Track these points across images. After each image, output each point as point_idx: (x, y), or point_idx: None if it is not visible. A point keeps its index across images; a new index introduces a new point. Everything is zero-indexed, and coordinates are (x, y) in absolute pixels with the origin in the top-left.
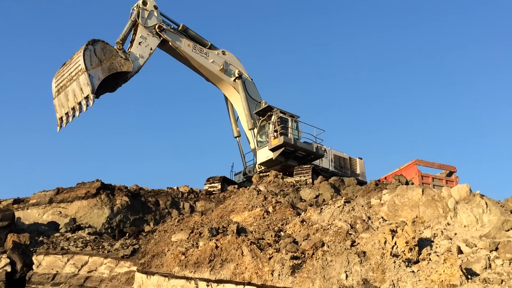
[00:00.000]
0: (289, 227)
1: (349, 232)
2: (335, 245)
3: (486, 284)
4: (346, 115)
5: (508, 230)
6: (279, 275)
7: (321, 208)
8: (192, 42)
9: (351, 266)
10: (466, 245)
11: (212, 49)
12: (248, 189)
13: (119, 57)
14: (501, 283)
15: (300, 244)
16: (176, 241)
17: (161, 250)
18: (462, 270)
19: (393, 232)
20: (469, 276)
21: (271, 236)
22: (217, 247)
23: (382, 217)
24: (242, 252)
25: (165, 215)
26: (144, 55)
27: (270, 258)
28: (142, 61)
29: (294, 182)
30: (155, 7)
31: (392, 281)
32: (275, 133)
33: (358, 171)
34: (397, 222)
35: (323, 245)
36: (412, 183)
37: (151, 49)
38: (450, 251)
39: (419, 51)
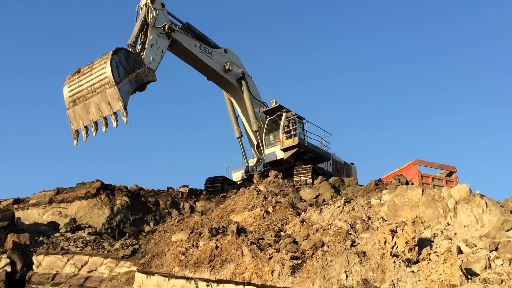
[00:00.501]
0: (289, 227)
1: (349, 232)
2: (335, 245)
3: (486, 284)
4: (345, 116)
5: (508, 230)
6: (279, 275)
7: (321, 208)
8: (198, 42)
9: (351, 266)
10: (466, 245)
11: (215, 48)
12: (248, 189)
13: (142, 66)
14: (501, 283)
15: (300, 244)
16: (176, 241)
17: (161, 250)
18: (462, 270)
19: (393, 232)
20: (469, 276)
21: (271, 236)
22: (217, 247)
23: (382, 217)
24: (242, 252)
25: (165, 215)
26: (156, 58)
27: (270, 258)
28: (155, 65)
29: (294, 182)
30: (163, 6)
31: (392, 281)
32: (286, 134)
33: (351, 176)
34: (397, 222)
35: (323, 245)
36: (412, 183)
37: (162, 51)
38: (450, 251)
39: (420, 52)
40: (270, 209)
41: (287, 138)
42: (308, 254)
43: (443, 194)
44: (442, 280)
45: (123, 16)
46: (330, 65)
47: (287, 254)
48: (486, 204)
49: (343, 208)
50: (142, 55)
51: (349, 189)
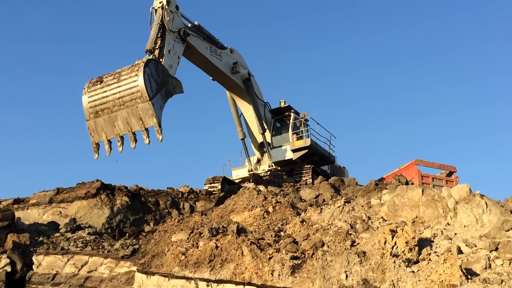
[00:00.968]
0: (289, 227)
1: (349, 232)
2: (335, 245)
3: (486, 284)
4: (345, 115)
5: (508, 230)
6: (279, 275)
7: (321, 208)
8: (208, 44)
9: (351, 266)
10: (466, 245)
11: (222, 49)
12: (248, 189)
13: (170, 77)
14: (501, 283)
15: (300, 244)
16: (176, 241)
17: (161, 250)
18: (462, 270)
19: (393, 232)
20: (469, 276)
21: (271, 236)
22: (217, 247)
23: (382, 217)
24: (242, 252)
25: (165, 215)
26: (174, 65)
27: (270, 258)
28: (173, 72)
29: (294, 182)
30: (177, 8)
31: (392, 281)
32: (295, 134)
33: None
34: (397, 222)
35: (323, 245)
36: (412, 183)
37: (178, 57)
38: (450, 251)
39: (420, 50)
40: (270, 209)
41: (297, 139)
42: (308, 254)
43: (443, 194)
44: (442, 280)
45: (122, 17)
46: (329, 64)
47: (287, 254)
48: (486, 204)
49: (343, 208)
50: (161, 61)
51: (349, 189)
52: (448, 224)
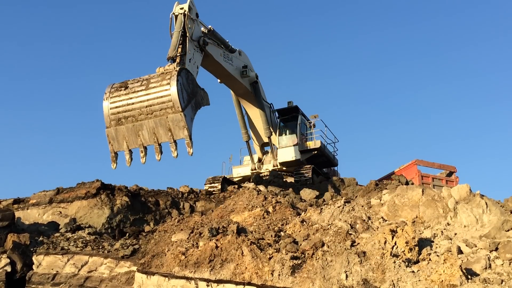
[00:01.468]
0: (289, 227)
1: (349, 232)
2: (335, 245)
3: (486, 284)
4: (345, 115)
5: (508, 230)
6: (279, 275)
7: (321, 208)
8: (222, 50)
9: (351, 266)
10: (466, 245)
11: (232, 52)
12: (248, 189)
13: (198, 88)
14: (501, 283)
15: (300, 244)
16: (176, 241)
17: (161, 250)
18: (462, 270)
19: (393, 232)
20: (469, 276)
21: (271, 236)
22: (217, 247)
23: (382, 217)
24: (242, 252)
25: (165, 215)
26: (194, 75)
27: (270, 258)
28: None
29: (294, 182)
30: (197, 16)
31: (392, 281)
32: (303, 136)
33: None
34: (397, 222)
35: (323, 245)
36: (412, 183)
37: (197, 67)
38: (450, 251)
39: (420, 50)
40: (270, 209)
41: (306, 140)
42: (308, 254)
43: (443, 194)
44: (442, 280)
45: (123, 17)
46: (329, 64)
47: (287, 254)
48: (486, 204)
49: (343, 208)
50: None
51: (349, 189)
52: (448, 224)
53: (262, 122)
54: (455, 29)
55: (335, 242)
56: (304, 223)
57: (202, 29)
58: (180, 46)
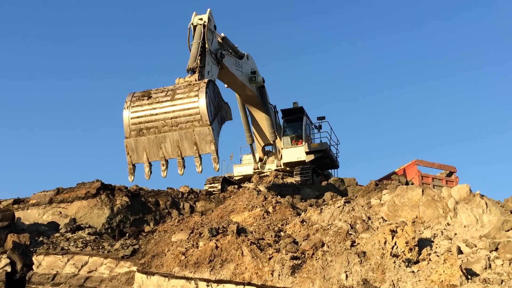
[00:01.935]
0: (289, 227)
1: (349, 232)
2: (335, 245)
3: (486, 284)
4: (345, 116)
5: (508, 230)
6: (279, 275)
7: (321, 208)
8: (234, 59)
9: (351, 266)
10: (466, 245)
11: (241, 58)
12: (248, 189)
13: (223, 102)
14: (501, 283)
15: (300, 244)
16: (176, 241)
17: (161, 250)
18: (462, 270)
19: (393, 232)
20: (469, 276)
21: (271, 236)
22: (217, 247)
23: (382, 217)
24: (242, 252)
25: (165, 215)
26: None
27: (270, 258)
28: None
29: (294, 182)
30: (215, 27)
31: (392, 281)
32: (309, 136)
33: None
34: (397, 222)
35: (323, 245)
36: (412, 183)
37: (214, 80)
38: (450, 251)
39: (420, 51)
40: (270, 209)
41: (312, 141)
42: (308, 254)
43: (443, 194)
44: (442, 280)
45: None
46: (329, 66)
47: (287, 254)
48: (486, 204)
49: (343, 208)
50: None
51: (349, 189)
52: (448, 224)
53: (267, 126)
54: (455, 31)
55: (335, 242)
56: (304, 223)
57: (218, 39)
58: (199, 57)
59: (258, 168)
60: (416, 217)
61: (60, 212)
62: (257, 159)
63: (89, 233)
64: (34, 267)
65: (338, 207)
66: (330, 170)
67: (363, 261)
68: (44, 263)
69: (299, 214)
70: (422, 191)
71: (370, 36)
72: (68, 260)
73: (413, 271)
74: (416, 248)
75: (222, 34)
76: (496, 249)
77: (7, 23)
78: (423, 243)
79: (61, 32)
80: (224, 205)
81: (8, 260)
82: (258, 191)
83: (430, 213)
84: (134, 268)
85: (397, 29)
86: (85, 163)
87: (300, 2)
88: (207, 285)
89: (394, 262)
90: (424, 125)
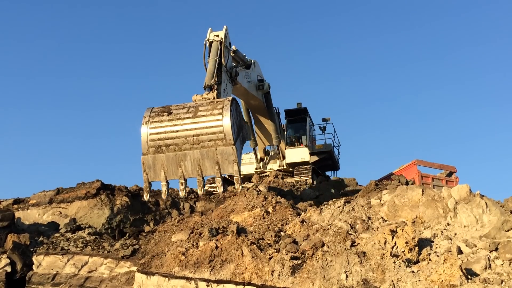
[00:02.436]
0: (289, 227)
1: (349, 232)
2: (335, 245)
3: (486, 284)
4: (344, 116)
5: (508, 230)
6: (279, 275)
7: (321, 208)
8: (244, 71)
9: (351, 266)
10: (466, 245)
11: (248, 67)
12: (248, 189)
13: (243, 121)
14: (501, 283)
15: (300, 244)
16: (176, 241)
17: (161, 250)
18: (462, 270)
19: (393, 232)
20: (469, 276)
21: (271, 236)
22: (217, 247)
23: (382, 217)
24: (242, 252)
25: (165, 216)
26: None
27: (270, 258)
28: None
29: (294, 182)
30: (230, 45)
31: (392, 281)
32: (313, 137)
33: None
34: (397, 222)
35: (323, 245)
36: (412, 183)
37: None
38: (450, 251)
39: (420, 51)
40: (270, 209)
41: (316, 142)
42: (308, 254)
43: (443, 194)
44: (442, 280)
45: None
46: (329, 66)
47: (287, 254)
48: (486, 204)
49: (343, 208)
50: None
51: (349, 189)
52: (448, 224)
53: (271, 131)
54: (455, 31)
55: (335, 242)
56: (304, 223)
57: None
58: (216, 75)
59: (260, 168)
60: (416, 217)
61: (60, 212)
62: (258, 159)
63: (89, 233)
64: (34, 267)
65: (338, 207)
66: (330, 172)
67: (363, 261)
68: (44, 263)
69: (299, 214)
70: (422, 191)
71: (370, 36)
72: (68, 260)
73: (413, 271)
74: (416, 248)
75: (234, 47)
76: (496, 249)
77: (7, 23)
78: (423, 243)
79: (61, 31)
80: (224, 205)
81: (8, 260)
82: (258, 191)
83: (430, 213)
84: (134, 268)
85: (397, 29)
86: (85, 163)
87: (303, 1)
88: (207, 285)
89: (394, 262)
90: (424, 125)
